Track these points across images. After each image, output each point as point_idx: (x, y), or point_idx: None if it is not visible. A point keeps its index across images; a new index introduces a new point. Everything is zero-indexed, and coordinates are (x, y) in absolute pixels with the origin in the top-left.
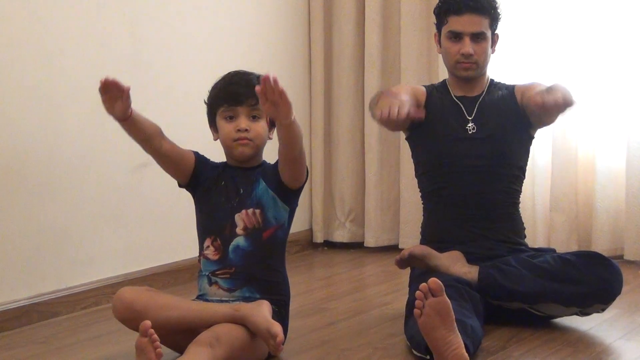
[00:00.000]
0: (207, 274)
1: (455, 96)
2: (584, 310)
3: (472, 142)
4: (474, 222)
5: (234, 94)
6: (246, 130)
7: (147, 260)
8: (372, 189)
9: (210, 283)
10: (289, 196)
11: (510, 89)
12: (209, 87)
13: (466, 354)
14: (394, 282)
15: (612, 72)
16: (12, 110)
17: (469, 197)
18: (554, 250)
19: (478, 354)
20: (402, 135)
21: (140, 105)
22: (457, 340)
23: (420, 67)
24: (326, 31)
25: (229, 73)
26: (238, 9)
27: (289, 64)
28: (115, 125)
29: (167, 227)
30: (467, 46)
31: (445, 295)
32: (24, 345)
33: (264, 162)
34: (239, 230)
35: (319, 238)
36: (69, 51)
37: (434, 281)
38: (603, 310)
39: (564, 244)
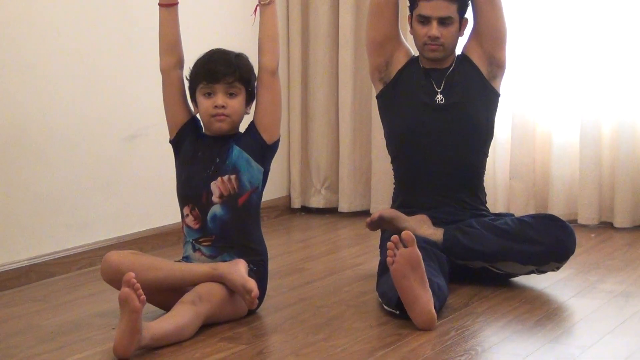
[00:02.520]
0: (190, 240)
1: (425, 68)
2: (540, 268)
3: (440, 112)
4: (440, 190)
5: (212, 72)
6: (223, 106)
7: (137, 225)
8: (345, 158)
9: (194, 250)
10: (265, 153)
11: (463, 55)
12: (190, 64)
13: (433, 310)
14: (365, 245)
15: (567, 55)
16: (11, 86)
17: (435, 167)
18: (512, 215)
19: (443, 310)
20: (375, 109)
21: (131, 80)
22: (427, 296)
23: None
24: (303, 12)
25: (209, 51)
26: None
27: None
28: (107, 99)
29: (155, 193)
30: (434, 29)
31: (416, 247)
32: (23, 303)
33: (238, 132)
34: (215, 198)
35: (296, 204)
36: (63, 30)
37: (406, 233)
38: (558, 268)
39: (522, 210)
